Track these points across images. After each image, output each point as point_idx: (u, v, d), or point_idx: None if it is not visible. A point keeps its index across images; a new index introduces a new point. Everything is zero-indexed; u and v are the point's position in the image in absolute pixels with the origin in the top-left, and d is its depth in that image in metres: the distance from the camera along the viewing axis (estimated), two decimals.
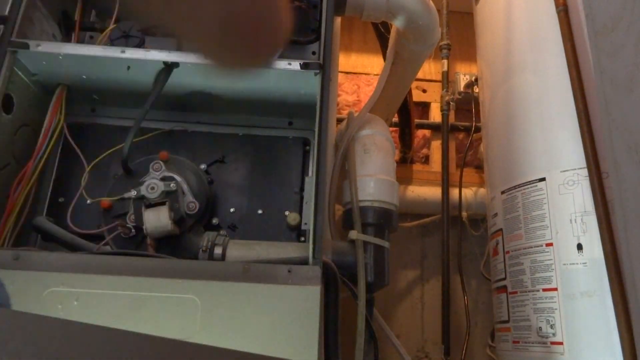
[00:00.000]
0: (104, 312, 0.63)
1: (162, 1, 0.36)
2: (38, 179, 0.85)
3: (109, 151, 0.90)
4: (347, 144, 1.03)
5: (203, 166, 0.92)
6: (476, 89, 1.62)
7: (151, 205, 0.77)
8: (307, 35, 0.94)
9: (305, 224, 0.89)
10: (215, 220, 0.89)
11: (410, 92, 1.50)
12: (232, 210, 0.90)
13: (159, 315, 0.63)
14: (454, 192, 1.56)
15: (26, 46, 0.80)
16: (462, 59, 1.85)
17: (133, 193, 0.78)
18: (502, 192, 1.11)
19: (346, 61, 1.82)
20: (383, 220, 0.99)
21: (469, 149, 1.67)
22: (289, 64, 0.82)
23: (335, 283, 0.74)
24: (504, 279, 1.08)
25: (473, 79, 1.68)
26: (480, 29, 1.37)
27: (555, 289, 0.95)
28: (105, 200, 0.81)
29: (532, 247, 1.00)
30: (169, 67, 0.82)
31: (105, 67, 0.85)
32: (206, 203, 0.85)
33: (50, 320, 0.36)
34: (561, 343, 0.92)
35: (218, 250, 0.78)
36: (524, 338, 1.00)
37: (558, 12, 1.01)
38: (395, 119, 1.63)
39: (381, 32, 1.18)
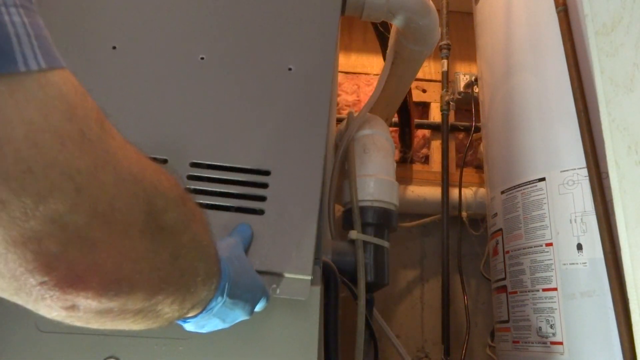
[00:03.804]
0: None
1: None
2: None
3: None
4: (346, 144, 1.03)
5: None
6: (476, 89, 1.62)
7: None
8: None
9: None
10: None
11: (410, 92, 1.50)
12: None
13: None
14: (454, 192, 1.56)
15: None
16: (462, 59, 1.84)
17: None
18: (502, 192, 1.12)
19: (346, 61, 1.82)
20: (383, 220, 0.99)
21: (468, 149, 1.67)
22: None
23: (335, 283, 0.74)
24: (504, 278, 1.08)
25: (473, 79, 1.68)
26: (480, 29, 1.37)
27: (555, 289, 0.95)
28: None
29: (532, 247, 1.00)
30: None
31: None
32: None
33: None
34: (561, 343, 0.92)
35: None
36: (524, 338, 1.00)
37: (558, 12, 1.01)
38: (395, 119, 1.63)
39: (381, 32, 1.18)
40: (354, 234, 0.92)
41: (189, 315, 0.43)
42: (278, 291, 0.61)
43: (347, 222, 0.99)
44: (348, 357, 0.84)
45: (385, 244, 0.99)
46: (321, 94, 0.73)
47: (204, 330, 0.50)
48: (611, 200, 0.71)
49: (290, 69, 0.74)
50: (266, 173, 0.67)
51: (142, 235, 0.30)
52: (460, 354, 1.41)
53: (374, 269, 0.95)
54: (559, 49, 1.00)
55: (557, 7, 1.02)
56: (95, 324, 0.31)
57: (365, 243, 0.94)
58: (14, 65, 0.23)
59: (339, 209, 1.07)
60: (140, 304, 0.32)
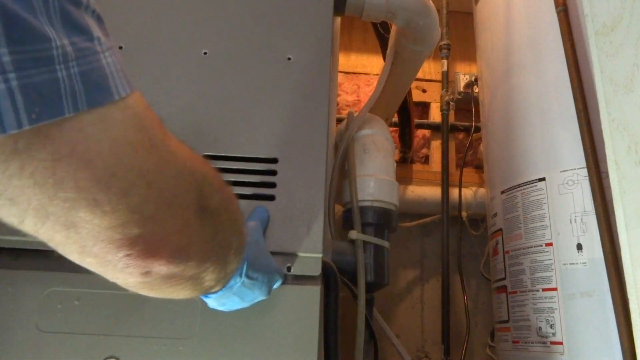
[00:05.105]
0: (104, 312, 0.63)
1: None
2: None
3: None
4: (346, 144, 1.03)
5: None
6: (476, 89, 1.62)
7: None
8: None
9: None
10: None
11: (410, 92, 1.50)
12: None
13: (159, 315, 0.64)
14: (454, 192, 1.56)
15: None
16: (462, 59, 1.85)
17: None
18: (502, 192, 1.12)
19: (346, 61, 1.82)
20: (383, 220, 0.98)
21: (468, 149, 1.67)
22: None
23: (335, 283, 0.74)
24: (504, 278, 1.08)
25: (473, 79, 1.68)
26: (480, 29, 1.37)
27: (555, 289, 0.95)
28: None
29: (531, 247, 1.00)
30: None
31: None
32: None
33: None
34: (561, 343, 0.92)
35: None
36: (524, 338, 1.00)
37: (558, 12, 1.01)
38: (395, 119, 1.63)
39: (381, 32, 1.18)
40: (354, 234, 0.92)
41: (214, 290, 0.49)
42: (292, 269, 0.66)
43: (347, 222, 0.99)
44: (348, 357, 0.84)
45: (385, 244, 0.99)
46: (320, 80, 0.76)
47: (224, 308, 0.55)
48: (611, 200, 0.71)
49: (289, 59, 0.77)
50: (274, 161, 0.71)
51: (194, 215, 0.37)
52: (460, 354, 1.41)
53: (374, 269, 0.95)
54: (559, 49, 1.00)
55: (557, 7, 1.02)
56: (157, 290, 0.39)
57: (365, 243, 0.94)
58: (110, 98, 0.29)
59: (339, 209, 1.07)
60: (193, 270, 0.39)
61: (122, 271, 0.34)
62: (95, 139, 0.29)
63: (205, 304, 0.55)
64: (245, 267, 0.52)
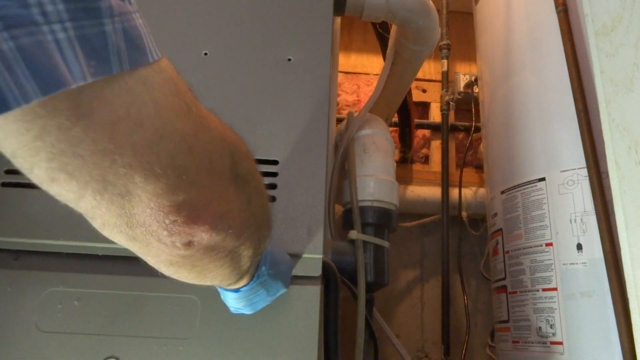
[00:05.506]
0: (104, 312, 0.63)
1: None
2: None
3: None
4: (346, 144, 1.03)
5: None
6: (476, 89, 1.62)
7: None
8: None
9: None
10: None
11: (410, 92, 1.50)
12: None
13: (159, 315, 0.64)
14: (454, 192, 1.56)
15: None
16: (462, 59, 1.85)
17: None
18: (502, 192, 1.12)
19: (346, 61, 1.82)
20: (383, 220, 0.98)
21: (468, 149, 1.67)
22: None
23: (335, 283, 0.74)
24: (504, 278, 1.08)
25: (473, 79, 1.68)
26: (480, 29, 1.37)
27: (555, 289, 0.95)
28: None
29: (531, 247, 1.00)
30: None
31: None
32: None
33: None
34: (561, 343, 0.92)
35: None
36: (524, 338, 1.00)
37: (558, 12, 1.01)
38: (395, 119, 1.63)
39: (381, 32, 1.18)
40: (354, 234, 0.92)
41: (244, 281, 0.49)
42: (293, 270, 0.66)
43: (347, 222, 0.99)
44: (348, 357, 0.84)
45: (385, 244, 0.99)
46: (320, 81, 0.77)
47: (250, 307, 0.56)
48: (611, 200, 0.71)
49: (289, 60, 0.77)
50: (274, 162, 0.71)
51: (229, 181, 0.37)
52: (460, 354, 1.41)
53: (374, 269, 0.95)
54: (559, 49, 1.00)
55: (557, 7, 1.02)
56: (199, 266, 0.39)
57: (365, 243, 0.94)
58: (146, 59, 0.29)
59: (339, 209, 1.07)
60: (232, 241, 0.39)
61: (165, 242, 0.34)
62: (143, 101, 0.29)
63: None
64: (268, 256, 0.53)
